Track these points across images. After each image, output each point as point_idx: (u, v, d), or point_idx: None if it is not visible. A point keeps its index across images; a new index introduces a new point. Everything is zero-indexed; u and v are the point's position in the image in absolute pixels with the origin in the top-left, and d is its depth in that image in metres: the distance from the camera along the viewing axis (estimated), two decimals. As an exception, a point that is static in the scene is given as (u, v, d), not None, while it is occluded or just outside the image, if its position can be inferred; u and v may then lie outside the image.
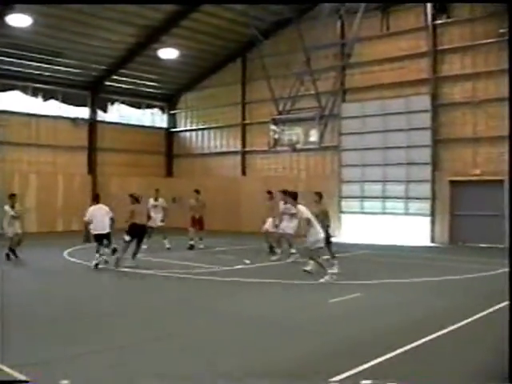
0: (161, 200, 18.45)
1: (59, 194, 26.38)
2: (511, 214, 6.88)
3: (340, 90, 23.34)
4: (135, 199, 14.28)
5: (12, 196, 15.76)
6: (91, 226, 14.16)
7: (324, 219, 12.80)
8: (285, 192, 14.08)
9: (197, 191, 18.43)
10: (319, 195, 13.49)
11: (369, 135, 23.12)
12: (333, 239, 13.79)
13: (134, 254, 13.93)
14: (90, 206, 14.55)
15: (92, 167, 27.79)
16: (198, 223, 18.13)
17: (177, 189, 26.70)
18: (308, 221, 11.58)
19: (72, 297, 10.36)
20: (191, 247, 17.94)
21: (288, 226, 14.61)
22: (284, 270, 13.43)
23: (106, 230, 13.88)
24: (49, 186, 26.02)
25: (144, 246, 15.54)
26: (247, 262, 14.39)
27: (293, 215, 13.74)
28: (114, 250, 14.04)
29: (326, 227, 12.61)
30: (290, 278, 12.19)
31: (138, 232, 13.85)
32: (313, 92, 21.80)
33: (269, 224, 15.89)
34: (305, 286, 11.56)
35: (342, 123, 23.90)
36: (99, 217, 13.97)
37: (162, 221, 17.71)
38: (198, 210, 18.14)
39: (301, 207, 11.87)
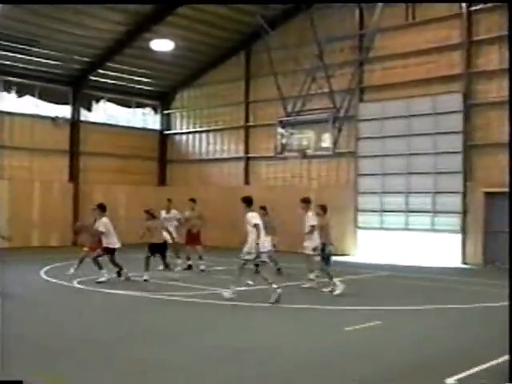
0: (174, 212, 18.56)
1: (35, 204, 26.32)
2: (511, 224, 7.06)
3: (357, 89, 23.39)
4: (151, 215, 15.44)
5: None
6: (108, 240, 15.02)
7: (328, 234, 13.74)
8: (305, 200, 14.61)
9: (192, 200, 18.39)
10: (323, 208, 14.02)
11: (390, 140, 23.14)
12: (333, 257, 14.24)
13: (166, 267, 15.69)
14: (99, 217, 15.13)
15: (74, 174, 27.78)
16: (194, 238, 18.04)
17: (172, 199, 26.58)
18: (256, 226, 12.16)
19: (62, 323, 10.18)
20: (189, 267, 17.88)
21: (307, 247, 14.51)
22: (292, 293, 13.44)
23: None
24: (23, 194, 25.95)
25: (159, 267, 15.88)
26: (251, 283, 14.35)
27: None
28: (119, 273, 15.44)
29: (327, 243, 13.62)
30: (299, 302, 12.22)
31: (158, 250, 15.26)
32: (326, 90, 21.83)
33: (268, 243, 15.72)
34: (316, 310, 11.55)
35: (360, 126, 23.90)
36: (112, 229, 15.19)
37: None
38: (194, 223, 18.05)
39: (249, 214, 12.39)
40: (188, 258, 18.05)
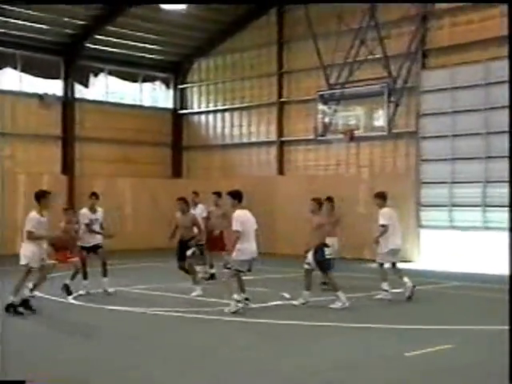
0: (201, 206, 18.75)
1: (20, 202, 26.42)
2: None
3: (419, 52, 23.28)
4: (186, 204, 15.88)
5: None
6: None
7: (324, 234, 14.28)
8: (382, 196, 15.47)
9: (217, 194, 18.60)
10: (319, 203, 14.45)
11: (462, 116, 22.97)
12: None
13: (193, 279, 15.49)
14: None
15: (68, 164, 28.04)
16: (217, 242, 18.20)
17: (188, 194, 26.62)
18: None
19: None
20: (211, 277, 18.12)
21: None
22: (339, 308, 13.62)
23: None
24: (4, 190, 26.12)
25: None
26: (287, 296, 14.56)
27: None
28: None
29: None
30: (349, 320, 12.31)
31: (179, 250, 15.40)
32: (379, 56, 21.70)
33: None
34: (370, 330, 11.65)
35: (423, 99, 23.79)
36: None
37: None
38: (217, 223, 18.20)
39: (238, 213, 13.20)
40: (211, 266, 18.27)
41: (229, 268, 17.79)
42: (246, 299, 13.39)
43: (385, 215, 14.86)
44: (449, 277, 19.56)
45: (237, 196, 13.27)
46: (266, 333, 11.56)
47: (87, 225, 15.50)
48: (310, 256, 13.78)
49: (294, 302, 13.81)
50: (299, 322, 12.14)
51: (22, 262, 12.68)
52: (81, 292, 15.12)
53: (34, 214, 12.86)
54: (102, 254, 15.61)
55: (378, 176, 24.77)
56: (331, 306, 13.48)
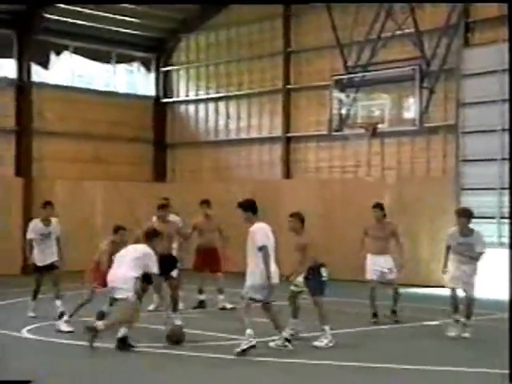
0: (172, 217, 18.27)
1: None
2: None
3: (461, 25, 23.13)
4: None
5: None
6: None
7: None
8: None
9: (206, 203, 18.58)
10: (301, 219, 14.48)
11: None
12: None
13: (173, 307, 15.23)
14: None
15: (23, 164, 27.97)
16: (210, 261, 18.19)
17: (173, 201, 26.60)
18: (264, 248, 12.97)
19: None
20: (200, 304, 18.17)
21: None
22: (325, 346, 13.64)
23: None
24: None
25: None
26: (299, 328, 14.56)
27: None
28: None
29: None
30: (402, 360, 12.45)
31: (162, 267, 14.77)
32: (410, 30, 21.60)
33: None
34: (426, 373, 11.71)
35: (465, 85, 23.73)
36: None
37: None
38: (208, 238, 18.29)
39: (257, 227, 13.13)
40: (200, 291, 18.23)
41: (221, 291, 17.96)
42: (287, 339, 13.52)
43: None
44: (499, 306, 18.88)
45: (249, 207, 13.23)
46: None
47: (31, 240, 15.95)
48: (300, 279, 14.00)
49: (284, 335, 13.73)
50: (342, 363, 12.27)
51: None
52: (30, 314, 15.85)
53: None
54: (56, 275, 15.88)
55: (407, 180, 24.93)
56: (315, 343, 13.54)
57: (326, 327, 13.64)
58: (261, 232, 12.88)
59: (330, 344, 13.46)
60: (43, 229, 15.83)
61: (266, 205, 26.62)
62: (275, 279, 12.97)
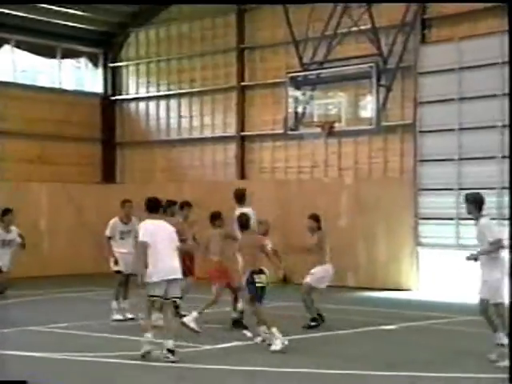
0: (134, 220, 18.12)
1: None
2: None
3: (418, 22, 23.29)
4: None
5: None
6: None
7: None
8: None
9: (187, 205, 18.63)
10: (243, 224, 15.03)
11: (473, 103, 22.97)
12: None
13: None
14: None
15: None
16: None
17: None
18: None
19: None
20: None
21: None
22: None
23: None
24: None
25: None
26: (248, 334, 15.00)
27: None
28: None
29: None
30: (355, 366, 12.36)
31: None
32: (366, 27, 21.50)
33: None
34: (382, 378, 11.80)
35: (422, 83, 23.89)
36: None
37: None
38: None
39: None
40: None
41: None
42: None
43: None
44: (456, 309, 19.43)
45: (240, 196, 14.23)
46: None
47: None
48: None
49: (256, 340, 14.28)
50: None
51: None
52: None
53: None
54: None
55: (364, 181, 25.08)
56: (271, 348, 13.68)
57: (273, 329, 13.72)
58: (142, 229, 13.14)
59: (286, 342, 13.60)
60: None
61: (219, 206, 26.50)
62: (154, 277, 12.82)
